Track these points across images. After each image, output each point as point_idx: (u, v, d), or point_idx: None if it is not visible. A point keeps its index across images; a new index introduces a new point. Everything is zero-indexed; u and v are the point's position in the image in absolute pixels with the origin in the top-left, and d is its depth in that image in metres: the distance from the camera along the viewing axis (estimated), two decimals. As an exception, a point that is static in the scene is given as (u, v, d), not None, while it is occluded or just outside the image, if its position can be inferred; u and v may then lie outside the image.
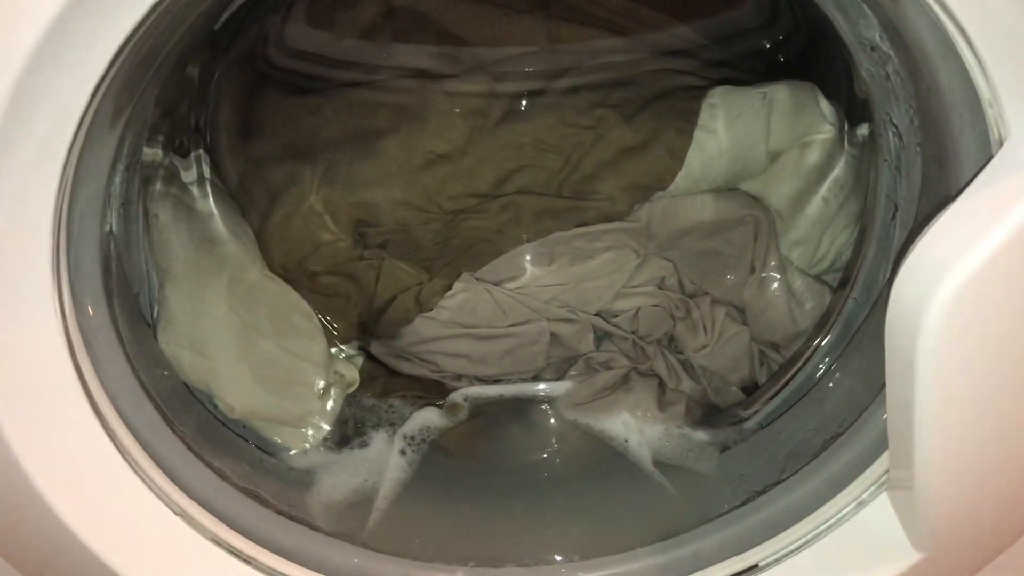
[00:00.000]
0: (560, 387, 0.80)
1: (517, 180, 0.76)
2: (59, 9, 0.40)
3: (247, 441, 0.69)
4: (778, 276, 0.77)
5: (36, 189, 0.45)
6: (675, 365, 0.78)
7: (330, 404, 0.74)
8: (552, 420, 0.79)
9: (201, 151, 0.75)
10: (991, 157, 0.46)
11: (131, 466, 0.53)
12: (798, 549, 0.58)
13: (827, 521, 0.58)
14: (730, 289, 0.79)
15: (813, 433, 0.66)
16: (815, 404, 0.71)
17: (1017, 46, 0.42)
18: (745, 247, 0.77)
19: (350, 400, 0.76)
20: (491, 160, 0.74)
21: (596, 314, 0.78)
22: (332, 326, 0.77)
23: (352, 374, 0.77)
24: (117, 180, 0.58)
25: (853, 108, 0.74)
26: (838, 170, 0.74)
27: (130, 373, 0.57)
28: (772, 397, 0.75)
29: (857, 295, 0.70)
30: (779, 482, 0.63)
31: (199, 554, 0.55)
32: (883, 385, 0.52)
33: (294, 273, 0.75)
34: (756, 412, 0.75)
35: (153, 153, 0.68)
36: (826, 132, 0.74)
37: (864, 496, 0.58)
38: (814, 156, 0.74)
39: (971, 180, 0.46)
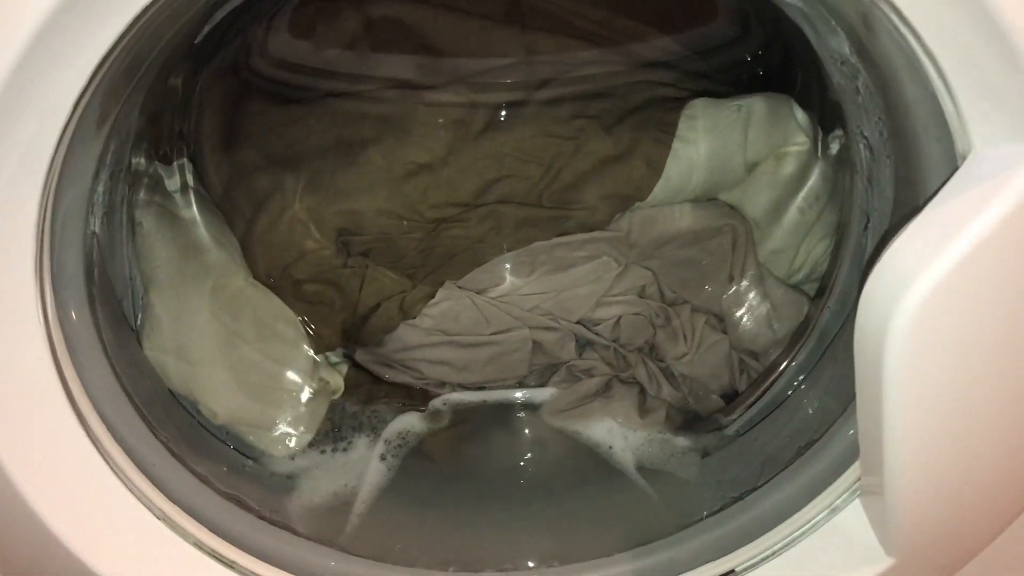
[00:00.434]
0: (542, 394, 0.80)
1: (498, 190, 0.76)
2: (45, 17, 0.40)
3: (229, 446, 0.69)
4: (756, 285, 0.78)
5: (20, 194, 0.45)
6: (656, 373, 0.79)
7: (313, 410, 0.74)
8: (533, 427, 0.79)
9: (185, 159, 0.75)
10: (956, 169, 0.47)
11: (114, 471, 0.53)
12: (774, 554, 0.59)
13: (802, 527, 0.59)
14: (709, 298, 0.79)
15: (788, 440, 0.67)
16: (791, 412, 0.72)
17: (978, 66, 0.43)
18: (724, 256, 0.78)
19: (334, 406, 0.76)
20: (472, 170, 0.75)
21: (578, 322, 0.79)
22: (317, 333, 0.76)
23: (336, 381, 0.77)
24: (101, 187, 0.58)
25: (827, 120, 0.74)
26: (813, 181, 0.75)
27: (113, 378, 0.57)
28: (751, 405, 0.76)
29: (833, 305, 0.71)
30: (756, 488, 0.64)
31: (181, 558, 0.55)
32: (856, 393, 0.53)
33: (278, 280, 0.75)
34: (736, 419, 0.76)
35: (137, 161, 0.68)
36: (801, 144, 0.75)
37: (838, 502, 0.58)
38: (789, 167, 0.75)
39: (936, 192, 0.46)
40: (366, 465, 0.72)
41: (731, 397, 0.79)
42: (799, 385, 0.72)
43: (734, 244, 0.77)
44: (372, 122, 0.75)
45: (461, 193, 0.75)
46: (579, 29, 0.78)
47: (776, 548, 0.59)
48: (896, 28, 0.45)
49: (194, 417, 0.68)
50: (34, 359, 0.49)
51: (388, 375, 0.80)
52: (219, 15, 0.63)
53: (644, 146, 0.74)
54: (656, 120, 0.75)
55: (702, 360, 0.78)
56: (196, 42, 0.65)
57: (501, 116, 0.76)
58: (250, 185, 0.75)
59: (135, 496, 0.54)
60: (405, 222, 0.75)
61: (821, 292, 0.75)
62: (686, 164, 0.75)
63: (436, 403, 0.78)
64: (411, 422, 0.76)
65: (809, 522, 0.59)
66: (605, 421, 0.76)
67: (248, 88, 0.78)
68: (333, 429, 0.75)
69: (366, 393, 0.78)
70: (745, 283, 0.78)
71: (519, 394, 0.81)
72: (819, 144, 0.75)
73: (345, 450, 0.73)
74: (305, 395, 0.74)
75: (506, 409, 0.80)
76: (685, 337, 0.78)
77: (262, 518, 0.62)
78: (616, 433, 0.75)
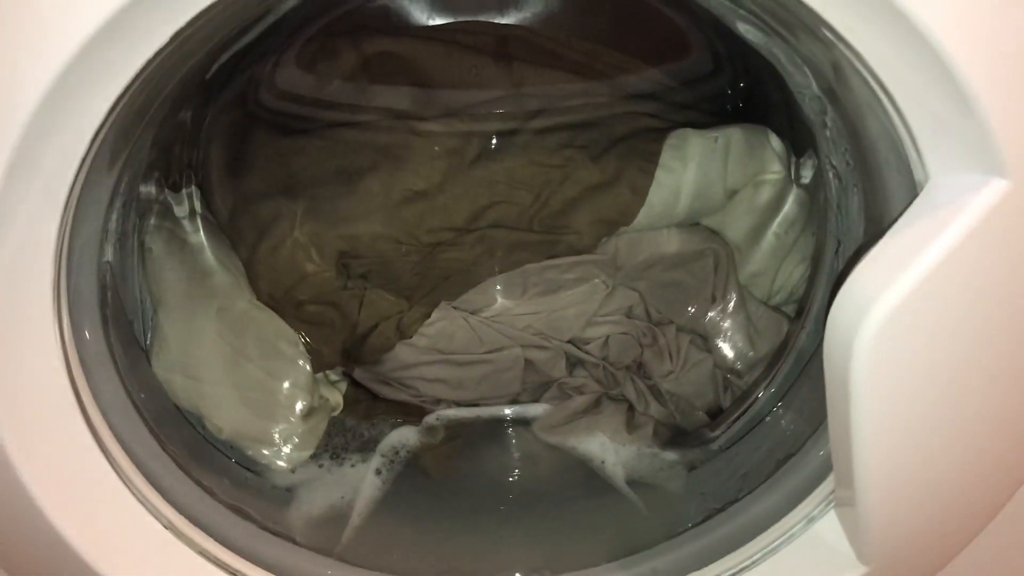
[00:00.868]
0: (534, 410, 0.81)
1: (491, 215, 0.77)
2: (64, 61, 0.41)
3: (232, 460, 0.70)
4: (738, 306, 0.80)
5: (40, 224, 0.46)
6: (643, 390, 0.80)
7: (313, 426, 0.74)
8: (525, 442, 0.80)
9: (193, 188, 0.76)
10: (915, 197, 0.48)
11: (124, 481, 0.54)
12: (754, 563, 0.60)
13: (780, 537, 0.60)
14: (693, 318, 0.81)
15: (768, 454, 0.68)
16: (771, 427, 0.73)
17: (932, 108, 0.44)
18: (706, 278, 0.79)
19: (333, 422, 0.77)
20: (466, 196, 0.76)
21: (568, 341, 0.80)
22: (317, 352, 0.77)
23: (336, 398, 0.78)
24: (114, 215, 0.59)
25: (800, 150, 0.76)
26: (788, 207, 0.77)
27: (124, 394, 0.58)
28: (735, 421, 0.77)
29: (809, 326, 0.72)
30: (736, 500, 0.65)
31: (187, 565, 0.56)
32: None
33: (281, 302, 0.75)
34: (721, 434, 0.77)
35: (148, 190, 0.69)
36: (776, 172, 0.76)
37: (814, 513, 0.60)
38: (766, 194, 0.77)
39: (897, 218, 0.48)
40: (362, 479, 0.72)
41: (715, 413, 0.80)
42: (778, 402, 0.73)
43: (716, 267, 0.79)
44: (370, 151, 0.76)
45: (455, 218, 0.77)
46: (566, 63, 0.79)
47: (756, 557, 0.60)
48: (860, 74, 0.47)
49: (199, 432, 0.69)
50: (51, 376, 0.50)
51: (386, 392, 0.81)
52: (227, 54, 0.65)
53: (629, 174, 0.76)
54: (640, 150, 0.76)
55: (687, 378, 0.79)
56: (207, 78, 0.66)
57: (492, 145, 0.77)
58: (254, 211, 0.76)
59: (143, 505, 0.55)
60: (402, 246, 0.76)
61: (799, 314, 0.77)
62: (669, 191, 0.76)
63: (430, 419, 0.79)
64: (406, 437, 0.77)
65: (787, 532, 0.60)
66: (597, 436, 0.77)
67: (253, 120, 0.79)
68: (331, 444, 0.75)
69: (364, 410, 0.79)
70: (727, 304, 0.80)
71: (511, 410, 0.81)
72: (793, 172, 0.77)
73: (342, 464, 0.74)
74: (305, 412, 0.74)
75: (499, 425, 0.81)
76: (671, 356, 0.79)
77: (264, 528, 0.63)
78: (608, 448, 0.76)
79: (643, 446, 0.76)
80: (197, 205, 0.75)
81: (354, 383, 0.82)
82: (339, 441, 0.76)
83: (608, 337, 0.80)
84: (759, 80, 0.78)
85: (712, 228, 0.81)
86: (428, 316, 0.78)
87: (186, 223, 0.74)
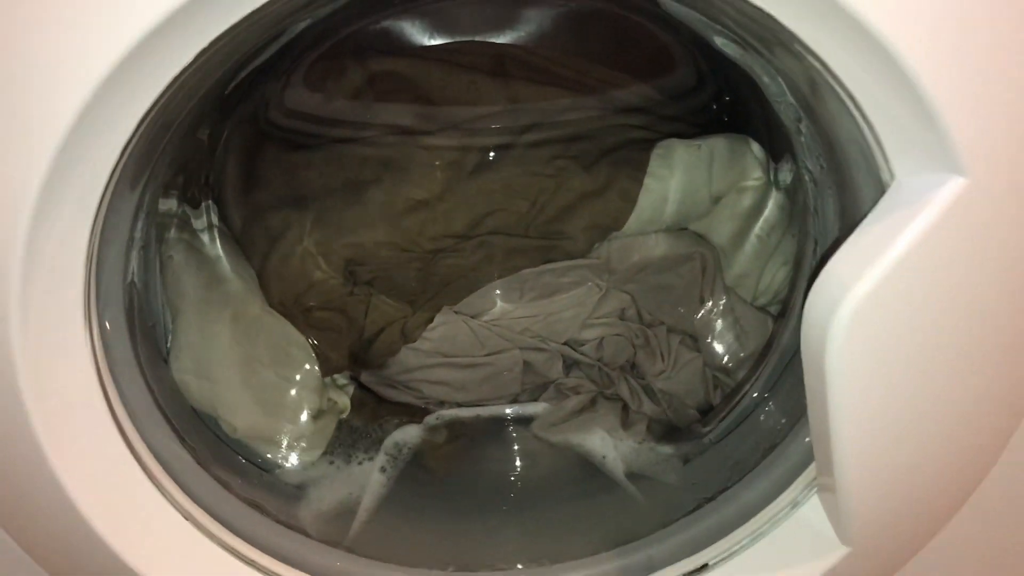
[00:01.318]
0: (532, 410, 0.82)
1: (489, 223, 0.79)
2: (92, 88, 0.42)
3: (245, 459, 0.71)
4: (725, 306, 0.81)
5: (73, 239, 0.48)
6: (637, 389, 0.81)
7: (322, 427, 0.75)
8: (525, 440, 0.80)
9: (210, 201, 0.77)
10: (882, 196, 0.50)
11: (147, 475, 0.56)
12: (742, 548, 0.62)
13: (768, 521, 0.62)
14: (683, 319, 0.82)
15: (755, 445, 0.69)
16: (757, 420, 0.74)
17: (896, 115, 0.46)
18: (694, 280, 0.81)
19: (341, 423, 0.78)
20: (465, 205, 0.77)
21: (564, 343, 0.81)
22: (325, 357, 0.77)
23: (344, 401, 0.79)
24: (139, 228, 0.61)
25: (779, 157, 0.78)
26: (768, 211, 0.79)
27: (148, 395, 0.60)
28: (725, 416, 0.78)
29: (793, 325, 0.73)
30: (726, 488, 0.67)
31: (204, 554, 0.58)
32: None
33: (291, 308, 0.76)
34: (712, 429, 0.78)
35: (168, 205, 0.71)
36: (757, 179, 0.78)
37: (799, 498, 0.62)
38: (748, 200, 0.79)
39: (865, 216, 0.49)
40: (368, 476, 0.74)
41: (707, 410, 0.81)
42: (764, 397, 0.75)
43: (703, 269, 0.80)
44: (374, 164, 0.78)
45: (455, 226, 0.78)
46: (558, 79, 0.80)
47: (744, 542, 0.62)
48: (829, 84, 0.49)
49: (214, 432, 0.70)
50: (82, 378, 0.52)
51: (391, 395, 0.82)
52: (242, 74, 0.66)
53: (619, 182, 0.78)
54: (630, 159, 0.78)
55: (678, 377, 0.80)
56: (224, 94, 0.68)
57: (490, 157, 0.79)
58: (266, 223, 0.77)
59: (165, 498, 0.57)
60: (405, 253, 0.78)
61: (783, 313, 0.78)
62: (657, 197, 0.78)
63: (431, 419, 0.80)
64: (409, 436, 0.78)
65: (773, 517, 0.62)
66: (598, 433, 0.78)
67: (264, 137, 0.80)
68: (339, 444, 0.76)
69: (371, 412, 0.80)
70: (715, 305, 0.81)
71: (511, 410, 0.82)
72: (773, 178, 0.79)
73: (350, 463, 0.75)
74: (315, 414, 0.75)
75: (499, 424, 0.82)
76: (662, 356, 0.80)
77: (277, 521, 0.65)
78: (608, 444, 0.77)
79: (639, 442, 0.77)
80: (213, 218, 0.76)
81: (361, 387, 0.82)
82: (347, 441, 0.77)
83: (602, 338, 0.81)
84: (740, 91, 0.79)
85: (699, 232, 0.82)
86: (431, 320, 0.79)
87: (203, 235, 0.75)
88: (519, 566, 0.67)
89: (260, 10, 0.45)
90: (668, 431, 0.79)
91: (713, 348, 0.82)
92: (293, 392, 0.75)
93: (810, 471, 0.62)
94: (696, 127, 0.82)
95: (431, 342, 0.80)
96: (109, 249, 0.55)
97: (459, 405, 0.82)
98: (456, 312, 0.81)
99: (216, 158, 0.78)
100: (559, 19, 0.80)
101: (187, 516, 0.58)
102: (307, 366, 0.76)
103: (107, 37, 0.42)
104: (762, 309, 0.82)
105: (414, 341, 0.79)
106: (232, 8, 0.44)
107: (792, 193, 0.78)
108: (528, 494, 0.77)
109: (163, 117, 0.51)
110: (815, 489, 0.61)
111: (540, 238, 0.80)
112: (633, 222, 0.79)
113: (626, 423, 0.79)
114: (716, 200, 0.80)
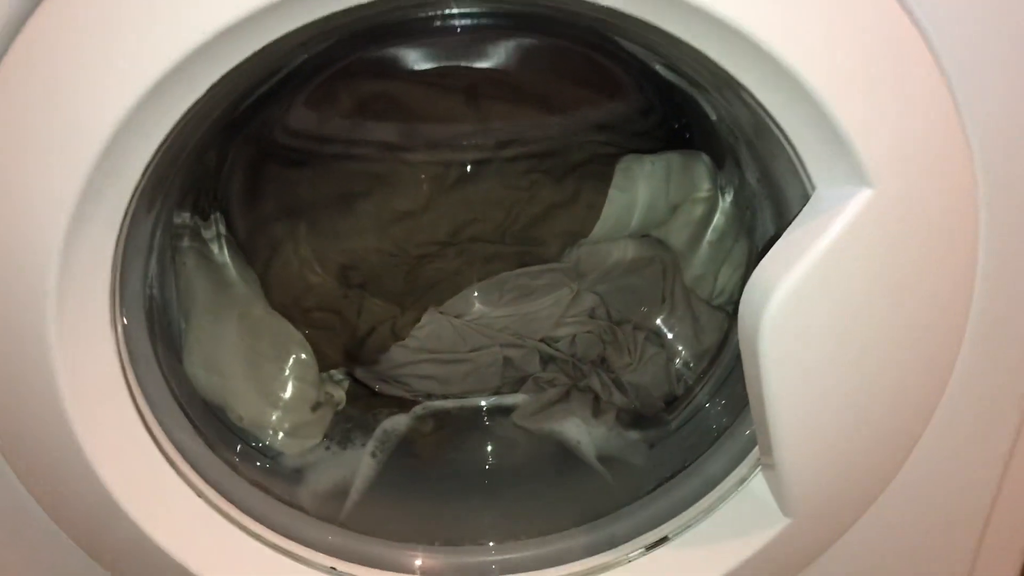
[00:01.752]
0: (511, 400, 0.85)
1: (469, 231, 0.81)
2: (119, 118, 0.46)
3: (251, 444, 0.74)
4: (684, 305, 0.84)
5: (102, 249, 0.51)
6: (607, 381, 0.84)
7: (320, 418, 0.78)
8: (504, 429, 0.83)
9: (218, 214, 0.79)
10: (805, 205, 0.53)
11: (166, 458, 0.60)
12: (697, 520, 0.65)
13: (719, 498, 0.66)
14: (647, 316, 0.85)
15: (710, 429, 0.73)
16: (713, 407, 0.78)
17: (816, 136, 0.49)
18: (656, 282, 0.84)
19: (337, 414, 0.81)
20: (448, 215, 0.80)
21: (540, 340, 0.84)
22: (322, 354, 0.79)
23: (340, 394, 0.82)
24: (156, 238, 0.64)
25: (726, 169, 0.81)
26: (717, 219, 0.82)
27: (166, 388, 0.63)
28: (687, 405, 0.81)
29: None
30: (683, 468, 0.70)
31: (215, 527, 0.62)
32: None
33: (291, 309, 0.79)
34: (675, 417, 0.81)
35: (182, 217, 0.74)
36: (707, 191, 0.82)
37: (747, 476, 0.65)
38: (699, 209, 0.82)
39: (791, 222, 0.53)
40: (360, 461, 0.76)
41: (671, 400, 0.83)
42: (718, 387, 0.79)
43: (664, 272, 0.84)
44: (365, 179, 0.80)
45: (439, 234, 0.81)
46: (529, 100, 0.83)
47: (699, 515, 0.65)
48: (753, 109, 0.52)
49: (223, 420, 0.72)
50: (109, 373, 0.56)
51: (383, 389, 0.85)
52: (247, 102, 0.68)
53: (586, 194, 0.81)
54: (596, 172, 0.81)
55: (644, 370, 0.83)
56: (233, 119, 0.70)
57: (469, 171, 0.82)
58: (267, 232, 0.80)
59: (181, 478, 0.60)
60: (394, 258, 0.81)
61: (735, 312, 0.80)
62: (621, 207, 0.81)
63: (418, 409, 0.83)
64: (396, 423, 0.81)
65: (724, 493, 0.65)
66: (574, 421, 0.80)
67: (266, 156, 0.82)
68: (335, 432, 0.79)
69: (364, 404, 0.83)
70: (675, 304, 0.84)
71: (492, 401, 0.85)
72: (719, 190, 0.82)
73: (345, 449, 0.78)
74: (313, 405, 0.78)
75: (481, 414, 0.85)
76: (629, 351, 0.83)
77: (279, 500, 0.68)
78: (582, 431, 0.80)
79: (610, 428, 0.80)
80: (221, 228, 0.79)
81: (356, 381, 0.85)
82: (342, 429, 0.79)
83: (575, 336, 0.84)
84: (691, 111, 0.82)
85: (659, 238, 0.85)
86: (418, 320, 0.82)
87: (212, 244, 0.78)
88: (503, 538, 0.70)
89: (262, 51, 0.49)
90: (636, 419, 0.82)
91: (675, 343, 0.85)
92: (294, 385, 0.77)
93: (756, 451, 0.65)
94: (658, 141, 0.85)
95: (418, 340, 0.82)
96: (131, 257, 0.58)
97: (444, 397, 0.85)
98: (441, 312, 0.83)
99: (223, 175, 0.80)
100: (531, 50, 0.82)
101: (200, 494, 0.61)
102: (306, 362, 0.78)
103: (124, 80, 0.45)
104: (718, 307, 0.85)
105: (403, 339, 0.82)
106: (237, 49, 0.47)
107: (738, 203, 0.81)
108: (505, 477, 0.80)
109: (179, 141, 0.53)
110: (760, 467, 0.65)
111: (516, 244, 0.83)
112: (599, 229, 0.82)
113: (597, 412, 0.82)
114: (673, 209, 0.84)
